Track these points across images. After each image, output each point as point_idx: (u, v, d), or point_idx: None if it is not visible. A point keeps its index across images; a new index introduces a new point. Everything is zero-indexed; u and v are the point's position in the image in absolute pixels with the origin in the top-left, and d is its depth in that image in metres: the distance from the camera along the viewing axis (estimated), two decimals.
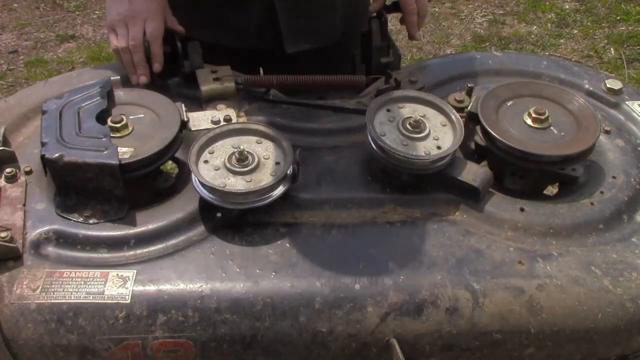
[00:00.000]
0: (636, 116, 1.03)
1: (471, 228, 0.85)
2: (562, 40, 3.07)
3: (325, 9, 1.16)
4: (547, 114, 0.92)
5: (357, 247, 0.82)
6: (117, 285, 0.76)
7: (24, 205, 0.83)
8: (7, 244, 0.77)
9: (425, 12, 1.13)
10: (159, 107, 0.93)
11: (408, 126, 0.88)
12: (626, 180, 0.91)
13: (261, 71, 1.25)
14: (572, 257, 0.82)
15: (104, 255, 0.80)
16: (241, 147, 0.84)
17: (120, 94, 0.95)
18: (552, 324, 0.77)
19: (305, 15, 1.14)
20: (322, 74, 1.07)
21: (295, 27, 1.15)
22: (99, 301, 0.74)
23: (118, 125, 0.88)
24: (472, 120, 0.94)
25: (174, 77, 1.04)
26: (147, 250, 0.80)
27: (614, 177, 0.92)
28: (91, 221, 0.82)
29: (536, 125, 0.92)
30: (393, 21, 1.24)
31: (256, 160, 0.84)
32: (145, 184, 0.90)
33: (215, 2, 1.14)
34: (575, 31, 3.14)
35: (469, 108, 0.95)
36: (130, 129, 0.89)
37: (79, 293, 0.75)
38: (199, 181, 0.82)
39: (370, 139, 0.88)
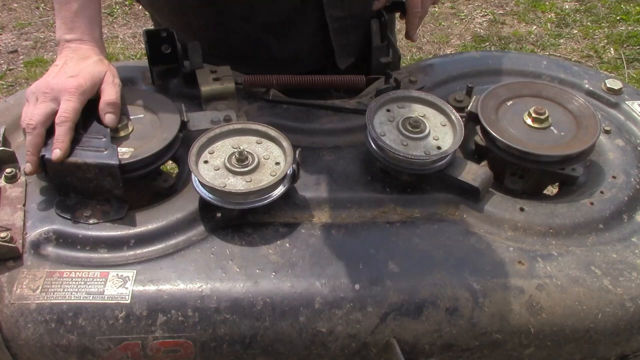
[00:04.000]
0: (636, 116, 1.03)
1: (471, 228, 0.85)
2: (562, 40, 3.07)
3: (364, 21, 1.16)
4: (547, 114, 0.92)
5: (356, 247, 0.82)
6: (117, 285, 0.76)
7: (24, 205, 0.84)
8: (7, 244, 0.77)
9: (425, 14, 1.14)
10: (158, 107, 0.93)
11: (408, 126, 0.88)
12: (626, 180, 0.91)
13: None
14: (572, 257, 0.82)
15: (104, 255, 0.80)
16: (241, 147, 0.84)
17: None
18: (552, 324, 0.77)
19: (350, 30, 1.16)
20: (322, 75, 1.07)
21: (345, 43, 1.16)
22: (99, 301, 0.74)
23: (118, 125, 0.88)
24: (472, 120, 0.94)
25: (174, 77, 1.04)
26: (147, 250, 0.80)
27: (614, 177, 0.92)
28: (91, 221, 0.82)
29: (536, 125, 0.92)
30: None
31: (256, 160, 0.84)
32: (145, 184, 0.90)
33: (260, 34, 1.12)
34: (575, 31, 3.14)
35: (469, 108, 0.95)
36: (130, 129, 0.89)
37: (78, 293, 0.75)
38: (199, 181, 0.82)
39: (370, 139, 0.88)
